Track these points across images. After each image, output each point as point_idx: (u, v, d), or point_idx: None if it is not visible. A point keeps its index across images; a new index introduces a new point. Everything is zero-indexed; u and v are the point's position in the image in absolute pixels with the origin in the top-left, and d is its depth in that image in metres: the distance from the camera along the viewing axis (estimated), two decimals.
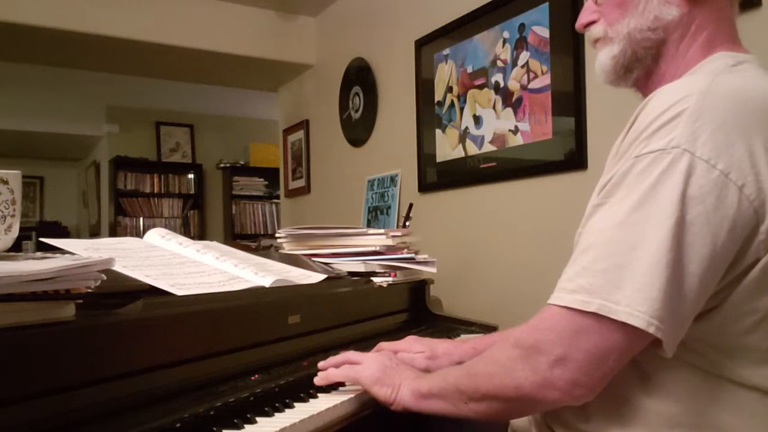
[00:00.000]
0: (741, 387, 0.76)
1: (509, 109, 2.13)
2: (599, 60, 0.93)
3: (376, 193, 2.87)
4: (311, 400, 1.01)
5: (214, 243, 1.49)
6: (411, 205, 2.03)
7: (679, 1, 0.86)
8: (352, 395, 1.04)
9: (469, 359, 0.98)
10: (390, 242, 1.68)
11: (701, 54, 0.86)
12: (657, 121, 0.74)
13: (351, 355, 1.07)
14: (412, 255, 1.70)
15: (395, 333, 1.52)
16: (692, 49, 0.87)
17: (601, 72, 0.94)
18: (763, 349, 0.76)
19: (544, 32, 1.99)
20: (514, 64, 2.11)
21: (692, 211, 0.70)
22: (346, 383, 1.07)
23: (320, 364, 1.08)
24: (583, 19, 0.96)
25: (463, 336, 1.59)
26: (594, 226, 0.77)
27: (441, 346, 1.18)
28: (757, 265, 0.73)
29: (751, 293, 0.74)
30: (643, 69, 0.91)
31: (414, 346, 1.17)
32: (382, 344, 1.19)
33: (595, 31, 0.94)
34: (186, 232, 5.97)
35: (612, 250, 0.73)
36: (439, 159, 2.48)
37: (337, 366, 1.06)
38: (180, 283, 1.08)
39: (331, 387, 1.08)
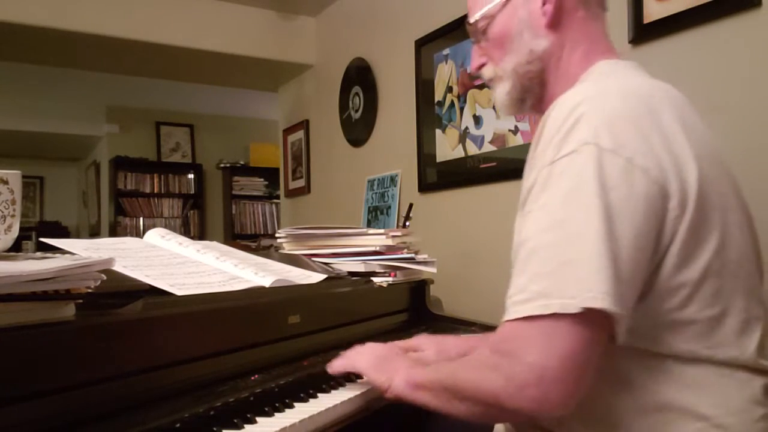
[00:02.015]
0: (692, 363, 0.79)
1: None
2: (496, 98, 1.04)
3: (376, 193, 2.87)
4: (311, 400, 1.01)
5: (214, 243, 1.49)
6: (411, 205, 2.03)
7: (545, 32, 0.96)
8: (352, 395, 1.04)
9: None
10: (390, 242, 1.68)
11: (582, 68, 0.95)
12: (562, 128, 0.79)
13: (357, 348, 1.10)
14: (412, 255, 1.70)
15: (395, 333, 1.52)
16: (572, 66, 0.97)
17: (501, 107, 1.05)
18: (703, 321, 0.79)
19: None
20: None
21: (611, 197, 0.75)
22: (358, 380, 1.11)
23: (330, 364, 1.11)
24: (474, 63, 1.07)
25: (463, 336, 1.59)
26: (529, 233, 0.79)
27: (450, 341, 1.22)
28: (675, 240, 0.78)
29: (677, 267, 0.78)
30: (534, 96, 1.01)
31: (424, 344, 1.20)
32: (395, 342, 1.21)
33: (486, 72, 1.05)
34: (186, 232, 5.97)
35: (554, 251, 0.75)
36: (439, 159, 2.48)
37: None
38: (180, 283, 1.08)
39: (331, 387, 1.08)
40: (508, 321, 0.78)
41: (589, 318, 0.72)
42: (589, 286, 0.72)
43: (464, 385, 0.83)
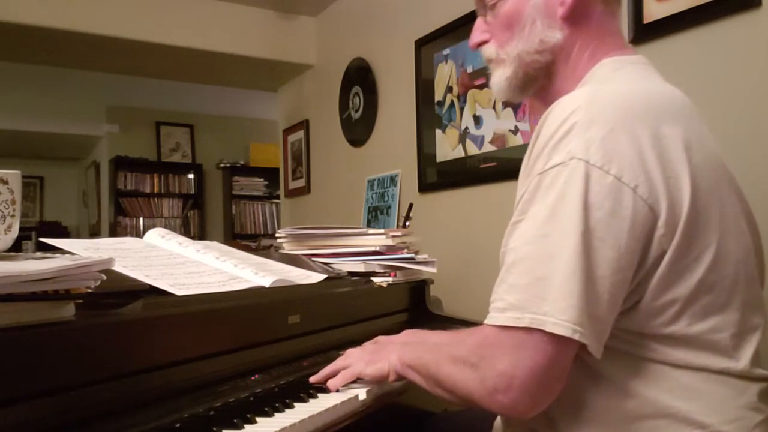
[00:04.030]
0: (685, 369, 0.78)
1: (509, 109, 2.13)
2: (493, 81, 0.98)
3: (376, 193, 2.87)
4: (311, 400, 1.01)
5: (214, 243, 1.49)
6: (411, 205, 2.03)
7: (561, 24, 0.91)
8: (353, 395, 1.04)
9: None
10: (390, 242, 1.68)
11: (588, 68, 0.91)
12: (554, 136, 0.77)
13: (337, 362, 1.08)
14: (412, 255, 1.70)
15: (395, 333, 1.51)
16: (580, 64, 0.92)
17: (497, 91, 0.99)
18: (693, 335, 0.78)
19: None
20: None
21: (593, 217, 0.73)
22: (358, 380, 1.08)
23: (315, 378, 1.07)
24: (474, 38, 1.00)
25: None
26: (514, 243, 0.79)
27: (434, 336, 1.19)
28: (664, 258, 0.76)
29: (665, 285, 0.77)
30: (537, 86, 0.96)
31: (411, 338, 1.18)
32: (380, 337, 1.19)
33: (487, 51, 0.98)
34: (186, 232, 5.97)
35: (532, 264, 0.75)
36: (439, 159, 2.47)
37: (333, 376, 1.06)
38: (180, 283, 1.08)
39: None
40: (486, 325, 0.79)
41: (557, 338, 0.73)
42: (554, 309, 0.72)
43: (444, 375, 0.85)
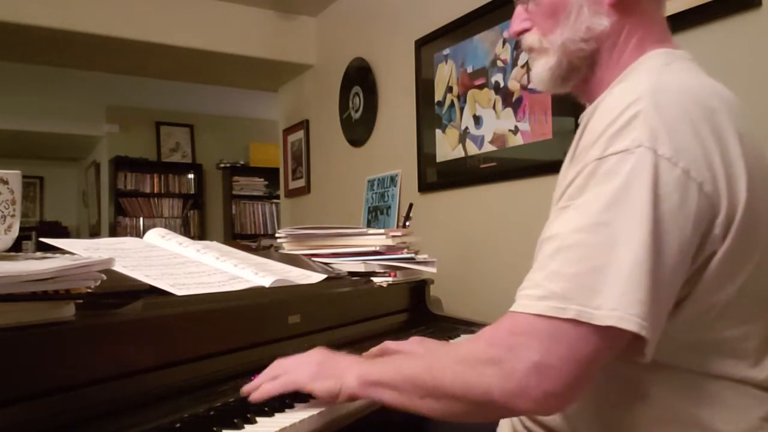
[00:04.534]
0: (708, 378, 0.76)
1: (509, 109, 2.13)
2: (535, 71, 0.94)
3: (376, 193, 2.87)
4: (311, 400, 1.01)
5: (214, 243, 1.49)
6: (411, 205, 2.03)
7: (608, 10, 0.87)
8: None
9: None
10: (390, 242, 1.68)
11: (633, 56, 0.88)
12: (614, 124, 0.74)
13: (280, 362, 0.99)
14: (412, 255, 1.70)
15: (395, 333, 1.52)
16: (625, 54, 0.88)
17: (538, 82, 0.94)
18: (723, 341, 0.76)
19: None
20: (514, 64, 2.11)
21: (662, 209, 0.70)
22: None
23: (247, 387, 0.96)
24: (515, 26, 0.96)
25: (463, 336, 1.59)
26: (560, 229, 0.74)
27: (437, 345, 1.17)
28: (714, 258, 0.74)
29: (712, 286, 0.74)
30: (579, 76, 0.92)
31: (417, 348, 1.15)
32: (388, 343, 1.17)
33: (528, 40, 0.94)
34: (186, 232, 5.97)
35: (586, 253, 0.70)
36: (439, 159, 2.47)
37: (273, 379, 0.96)
38: (180, 283, 1.08)
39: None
40: (514, 312, 0.74)
41: (608, 332, 0.68)
42: (619, 303, 0.68)
43: (448, 379, 0.77)
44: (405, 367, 0.85)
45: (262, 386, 0.95)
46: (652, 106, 0.73)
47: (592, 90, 0.91)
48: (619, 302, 0.68)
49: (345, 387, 0.89)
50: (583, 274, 0.70)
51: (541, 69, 0.93)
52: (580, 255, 0.71)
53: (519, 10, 0.95)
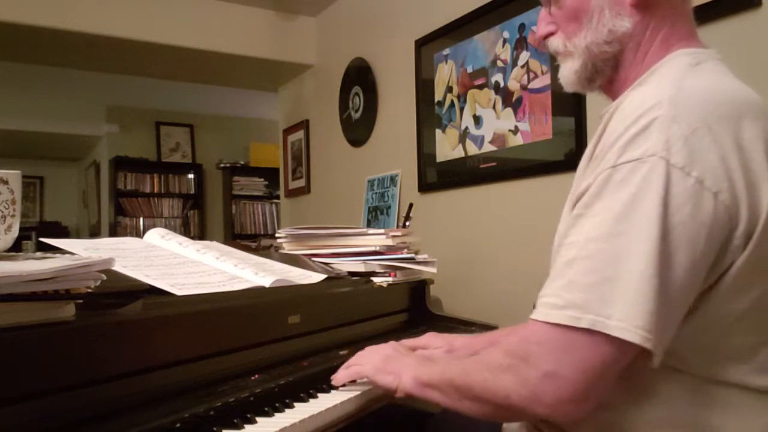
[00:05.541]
0: (720, 384, 0.76)
1: (509, 109, 2.13)
2: (562, 74, 0.95)
3: (376, 193, 2.87)
4: (311, 400, 1.01)
5: (214, 243, 1.49)
6: (411, 205, 2.03)
7: (630, 11, 0.87)
8: (352, 395, 1.04)
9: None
10: (390, 242, 1.68)
11: (659, 55, 0.87)
12: (630, 130, 0.73)
13: (360, 352, 1.09)
14: (412, 255, 1.70)
15: (395, 333, 1.52)
16: (650, 53, 0.88)
17: (566, 84, 0.96)
18: (738, 348, 0.76)
19: None
20: (514, 64, 2.11)
21: (672, 220, 0.70)
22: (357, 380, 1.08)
23: (335, 376, 1.09)
24: (541, 30, 0.97)
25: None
26: (576, 238, 0.75)
27: (459, 339, 1.22)
28: (732, 268, 0.73)
29: (727, 296, 0.74)
30: (604, 78, 0.92)
31: (433, 342, 1.20)
32: (404, 341, 1.20)
33: (553, 43, 0.95)
34: (186, 232, 5.97)
35: (599, 264, 0.71)
36: (439, 159, 2.47)
37: (347, 367, 1.07)
38: (180, 283, 1.08)
39: (331, 387, 1.08)
40: (533, 321, 0.76)
41: (617, 342, 0.70)
42: (626, 314, 0.69)
43: (477, 383, 0.81)
44: (448, 370, 0.88)
45: (338, 372, 1.07)
46: (670, 113, 0.72)
47: (618, 90, 0.91)
48: (626, 314, 0.69)
49: (402, 386, 0.94)
50: (597, 285, 0.71)
51: (567, 72, 0.94)
52: (595, 265, 0.72)
53: (543, 13, 0.96)
